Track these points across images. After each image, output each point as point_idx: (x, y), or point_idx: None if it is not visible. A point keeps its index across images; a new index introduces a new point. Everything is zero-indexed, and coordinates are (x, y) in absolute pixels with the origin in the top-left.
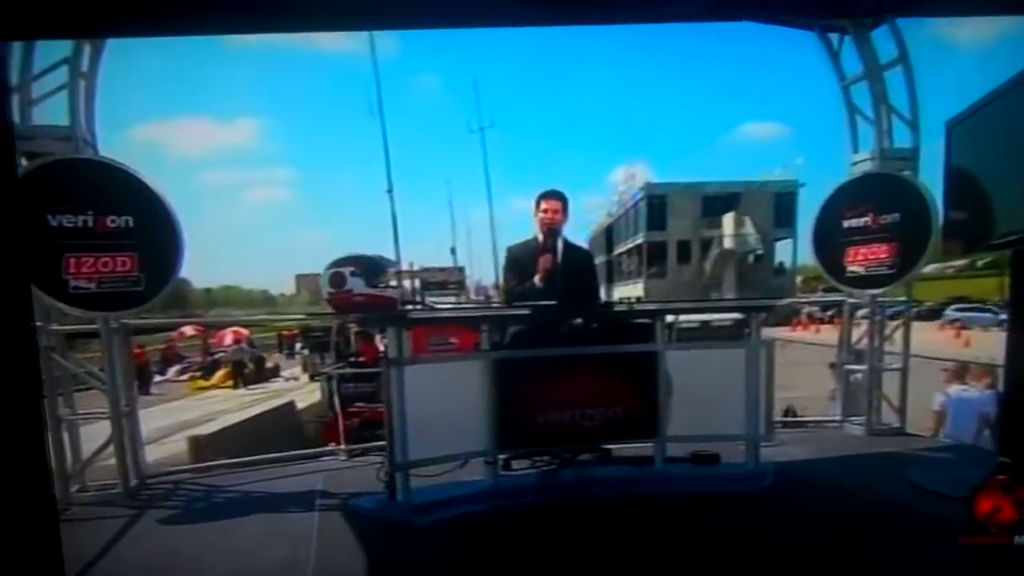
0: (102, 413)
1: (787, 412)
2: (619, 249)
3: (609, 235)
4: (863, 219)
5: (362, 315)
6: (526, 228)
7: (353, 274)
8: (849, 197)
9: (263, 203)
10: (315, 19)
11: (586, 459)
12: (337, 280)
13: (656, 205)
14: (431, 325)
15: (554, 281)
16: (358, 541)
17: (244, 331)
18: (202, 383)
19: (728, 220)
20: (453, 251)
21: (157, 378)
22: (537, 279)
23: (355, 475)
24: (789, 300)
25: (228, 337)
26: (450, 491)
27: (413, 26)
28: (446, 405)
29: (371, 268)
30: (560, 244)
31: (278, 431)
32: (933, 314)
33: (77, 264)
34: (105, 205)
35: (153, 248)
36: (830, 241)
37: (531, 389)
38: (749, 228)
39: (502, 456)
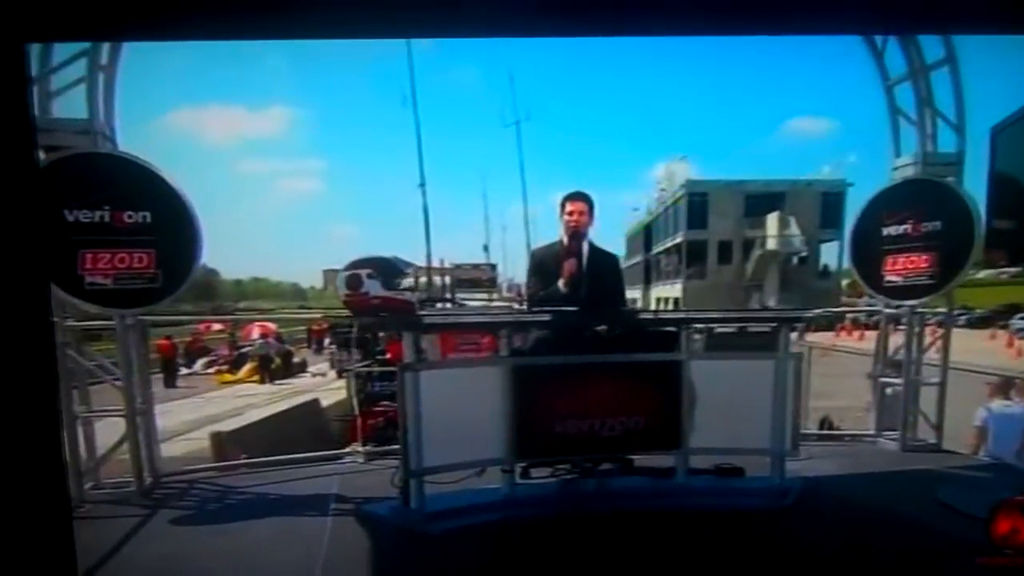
0: (117, 410)
1: (823, 423)
2: (658, 248)
3: (648, 233)
4: (903, 226)
5: (377, 318)
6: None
7: (370, 276)
8: (889, 203)
9: (294, 194)
10: (340, 25)
11: (606, 469)
12: (354, 282)
13: (697, 203)
14: (448, 330)
15: (578, 286)
16: (370, 547)
17: (271, 325)
18: (228, 377)
19: (772, 220)
20: (486, 248)
21: (183, 371)
22: (561, 283)
23: (372, 479)
24: (818, 312)
25: (255, 331)
26: (465, 499)
27: (431, 35)
28: (463, 412)
29: (388, 270)
30: (585, 248)
31: (302, 429)
32: (984, 322)
33: (94, 260)
34: (123, 200)
35: (171, 244)
36: (868, 248)
37: (550, 397)
38: (794, 229)
39: (520, 465)
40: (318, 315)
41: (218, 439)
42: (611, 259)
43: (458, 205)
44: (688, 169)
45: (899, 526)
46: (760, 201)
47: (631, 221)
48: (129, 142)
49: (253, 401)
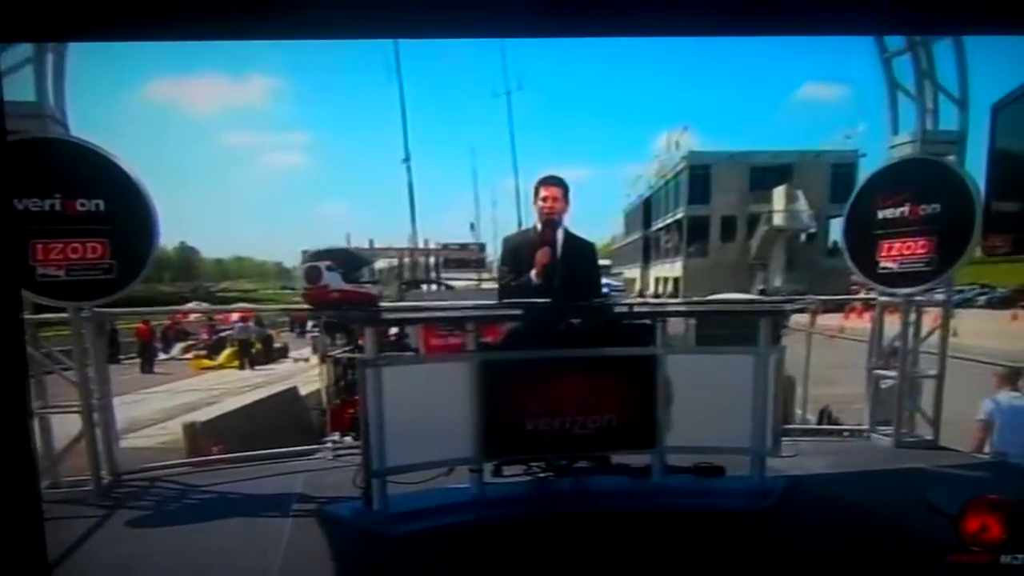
0: (74, 405)
1: (823, 414)
2: (658, 225)
3: (647, 209)
4: (900, 209)
5: (336, 312)
6: None
7: (330, 268)
8: (886, 184)
9: (277, 170)
10: (333, 26)
11: (581, 467)
12: (312, 275)
13: (699, 176)
14: (411, 324)
15: (552, 276)
16: (330, 550)
17: (248, 313)
18: (207, 363)
19: (779, 194)
20: (473, 226)
21: (161, 356)
22: (534, 274)
23: (339, 476)
24: (804, 301)
25: (235, 314)
26: (431, 500)
27: (430, 35)
28: (428, 409)
29: (349, 262)
30: (560, 236)
31: (279, 419)
32: (1005, 302)
33: (45, 251)
34: (75, 188)
35: (126, 233)
36: (862, 233)
37: (521, 393)
38: (802, 204)
39: (490, 464)
40: (296, 306)
41: (191, 430)
42: (588, 248)
43: (446, 182)
44: (691, 140)
45: (883, 527)
46: (766, 174)
47: (631, 195)
48: (96, 118)
49: (232, 388)
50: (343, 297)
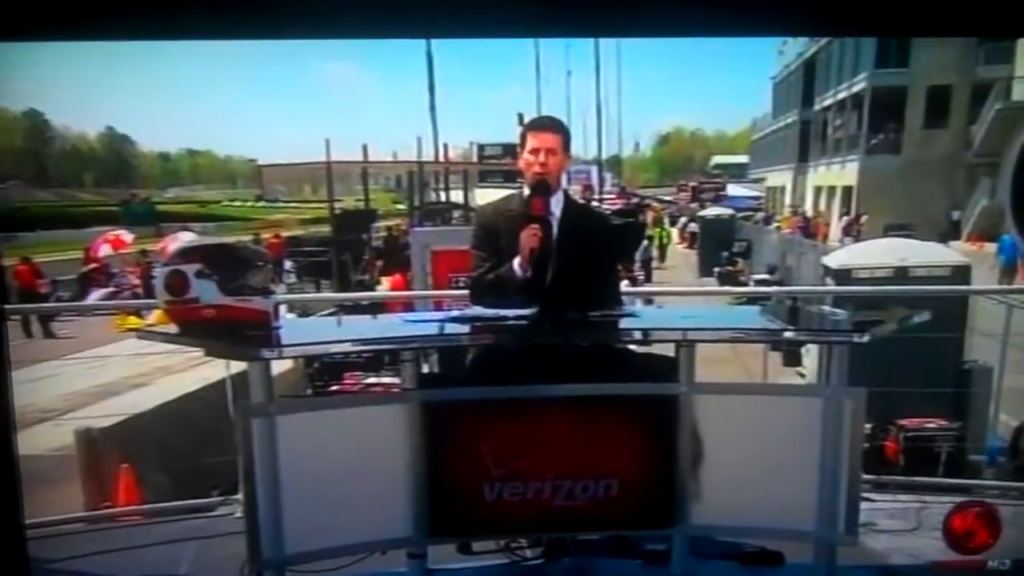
0: None
1: (1019, 435)
2: (824, 101)
3: (809, 75)
4: None
5: (211, 337)
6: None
7: (200, 275)
8: None
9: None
10: (331, 26)
11: (580, 541)
12: (175, 283)
13: None
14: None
15: (544, 267)
16: None
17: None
18: (134, 321)
19: None
20: (521, 119)
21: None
22: (517, 264)
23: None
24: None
25: (176, 245)
26: None
27: (430, 35)
28: (347, 471)
29: (229, 265)
30: (558, 206)
31: (224, 419)
32: None
33: None
34: None
35: None
36: None
37: (481, 447)
38: None
39: (434, 545)
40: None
41: (86, 439)
42: (599, 224)
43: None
44: None
45: None
46: None
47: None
48: None
49: (171, 363)
50: (219, 315)
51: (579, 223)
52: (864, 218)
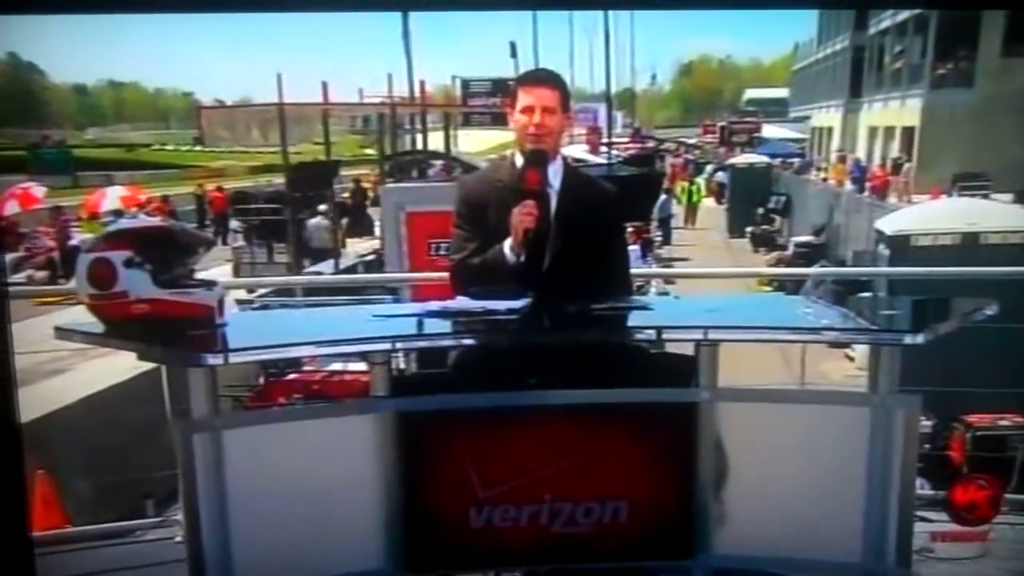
0: None
1: None
2: (879, 24)
3: None
4: None
5: (142, 339)
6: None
7: (130, 264)
8: None
9: None
10: None
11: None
12: (101, 274)
13: None
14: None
15: (540, 249)
16: None
17: (137, 192)
18: (49, 297)
19: None
20: (514, 48)
21: None
22: (508, 246)
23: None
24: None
25: (108, 201)
26: None
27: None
28: (308, 495)
29: (164, 252)
30: (557, 177)
31: (161, 413)
32: None
33: None
34: None
35: None
36: None
37: (466, 464)
38: None
39: None
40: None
41: None
42: (603, 195)
43: None
44: None
45: None
46: None
47: None
48: None
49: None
50: (153, 311)
51: (582, 196)
52: (906, 167)
